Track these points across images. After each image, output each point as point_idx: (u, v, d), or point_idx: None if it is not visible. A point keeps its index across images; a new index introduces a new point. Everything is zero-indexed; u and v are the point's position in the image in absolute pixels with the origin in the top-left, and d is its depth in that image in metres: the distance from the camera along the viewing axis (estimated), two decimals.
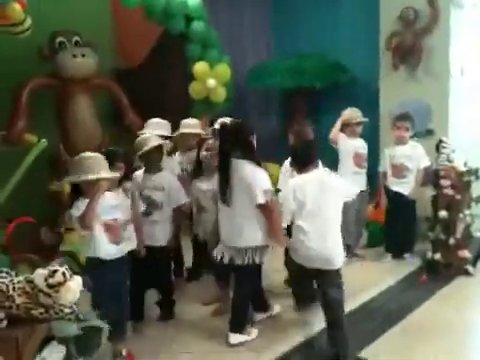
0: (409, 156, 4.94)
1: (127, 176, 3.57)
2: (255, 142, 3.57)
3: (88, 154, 3.13)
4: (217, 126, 4.18)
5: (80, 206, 3.03)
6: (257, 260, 3.43)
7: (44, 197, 5.23)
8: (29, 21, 4.34)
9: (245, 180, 3.35)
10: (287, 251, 3.73)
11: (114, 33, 6.45)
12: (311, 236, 3.32)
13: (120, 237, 3.19)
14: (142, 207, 3.63)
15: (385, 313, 4.03)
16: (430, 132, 5.53)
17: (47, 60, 5.31)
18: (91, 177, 3.01)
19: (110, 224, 3.14)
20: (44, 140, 4.32)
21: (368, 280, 4.55)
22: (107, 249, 3.14)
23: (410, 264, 4.97)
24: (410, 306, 4.11)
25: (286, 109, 7.29)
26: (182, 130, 4.64)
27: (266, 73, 6.86)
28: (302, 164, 3.53)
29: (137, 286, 3.59)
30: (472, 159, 4.90)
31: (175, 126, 4.69)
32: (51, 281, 2.60)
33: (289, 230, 3.51)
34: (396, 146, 5.01)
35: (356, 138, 5.07)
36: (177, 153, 4.72)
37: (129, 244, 3.28)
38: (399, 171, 4.97)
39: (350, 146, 4.98)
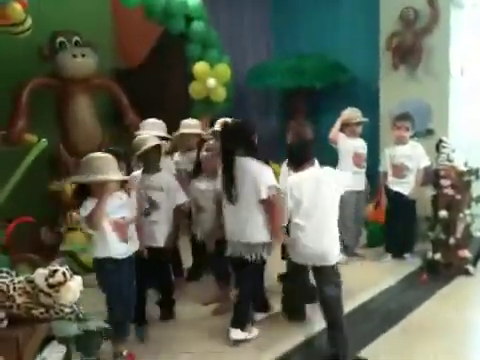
0: (409, 156, 4.94)
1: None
2: (256, 141, 3.58)
3: (97, 154, 3.13)
4: (218, 127, 4.19)
5: (88, 206, 3.02)
6: (264, 256, 3.48)
7: (44, 197, 5.23)
8: (29, 21, 4.33)
9: (251, 176, 3.39)
10: (284, 249, 3.78)
11: (114, 33, 6.45)
12: (308, 233, 3.36)
13: (127, 235, 3.20)
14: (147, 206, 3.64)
15: (385, 313, 4.04)
16: (430, 132, 5.54)
17: (47, 60, 5.31)
18: (100, 178, 3.00)
19: (118, 222, 3.14)
20: (44, 140, 4.32)
21: (368, 280, 4.55)
22: (117, 248, 3.14)
23: (410, 264, 4.97)
24: (410, 306, 4.11)
25: (286, 109, 7.29)
26: (182, 130, 4.64)
27: (266, 73, 6.86)
28: (298, 162, 3.56)
29: (138, 287, 3.59)
30: (472, 159, 4.91)
31: (175, 126, 4.69)
32: (51, 281, 2.60)
33: (287, 228, 3.54)
34: (396, 146, 5.01)
35: (356, 138, 5.07)
36: (177, 153, 4.72)
37: (133, 244, 3.28)
38: (399, 171, 4.97)
39: (350, 146, 4.98)
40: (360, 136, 5.12)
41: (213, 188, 3.88)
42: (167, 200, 3.76)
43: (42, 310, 2.65)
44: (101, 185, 3.02)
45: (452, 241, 4.72)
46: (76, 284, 2.68)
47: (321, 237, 3.35)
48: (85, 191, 3.10)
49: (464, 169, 4.74)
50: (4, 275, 2.75)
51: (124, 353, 3.25)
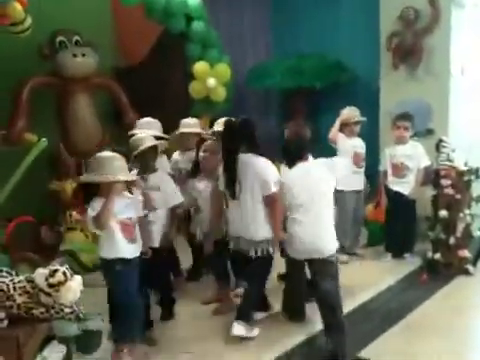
0: (409, 156, 4.94)
1: None
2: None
3: (107, 154, 3.12)
4: (218, 127, 4.19)
5: (95, 206, 3.01)
6: (271, 250, 3.53)
7: (44, 197, 5.23)
8: (29, 20, 4.33)
9: (256, 172, 3.46)
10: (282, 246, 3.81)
11: (114, 32, 6.45)
12: (304, 228, 3.42)
13: (134, 235, 3.20)
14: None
15: (385, 313, 4.03)
16: (430, 132, 5.53)
17: (47, 59, 5.32)
18: (110, 178, 2.99)
19: (125, 223, 3.13)
20: (44, 139, 4.32)
21: (368, 280, 4.55)
22: (126, 248, 3.12)
23: (410, 263, 4.96)
24: (410, 306, 4.11)
25: (286, 109, 7.29)
26: (181, 130, 4.63)
27: (266, 73, 6.86)
28: (292, 158, 3.61)
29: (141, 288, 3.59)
30: (472, 159, 4.91)
31: (175, 125, 4.68)
32: (52, 280, 2.61)
33: (284, 224, 3.59)
34: (396, 146, 5.01)
35: (354, 137, 5.08)
36: (177, 152, 4.71)
37: (139, 244, 3.28)
38: (399, 171, 4.97)
39: (349, 146, 4.99)
40: (359, 135, 5.13)
41: (211, 188, 3.89)
42: (163, 200, 3.75)
43: (42, 310, 2.66)
44: (109, 185, 3.01)
45: (452, 241, 4.72)
46: (76, 284, 2.69)
47: (317, 230, 3.42)
48: (90, 190, 3.08)
49: (464, 169, 4.75)
50: (4, 275, 2.75)
51: (124, 351, 3.23)
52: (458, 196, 4.71)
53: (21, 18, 4.24)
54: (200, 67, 5.97)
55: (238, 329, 3.46)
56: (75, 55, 5.27)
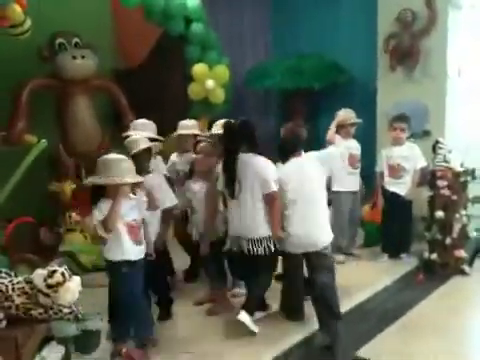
0: (406, 157, 4.97)
1: None
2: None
3: (114, 156, 3.14)
4: (215, 129, 4.20)
5: (103, 209, 3.02)
6: (273, 248, 3.57)
7: (44, 197, 5.25)
8: (29, 22, 4.34)
9: (256, 171, 3.52)
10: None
11: (114, 34, 6.47)
12: (297, 222, 3.51)
13: (140, 237, 3.22)
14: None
15: (382, 313, 4.06)
16: (427, 133, 5.57)
17: (46, 61, 5.33)
18: (118, 180, 3.00)
19: (131, 225, 3.15)
20: (44, 140, 4.33)
21: (365, 280, 4.57)
22: (132, 250, 3.14)
23: (407, 264, 4.99)
24: (407, 306, 4.14)
25: (285, 110, 7.30)
26: (179, 131, 4.64)
27: (265, 74, 6.87)
28: (286, 154, 3.70)
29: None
30: (468, 160, 4.94)
31: (174, 127, 4.70)
32: (50, 281, 2.62)
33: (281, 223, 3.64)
34: (393, 147, 5.03)
35: (350, 139, 5.10)
36: (174, 154, 4.73)
37: (144, 246, 3.29)
38: (396, 172, 5.00)
39: (344, 147, 5.00)
40: (356, 137, 5.16)
41: (205, 189, 3.92)
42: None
43: (41, 310, 2.67)
44: (116, 187, 3.02)
45: (448, 241, 4.75)
46: (75, 284, 2.70)
47: (311, 223, 3.52)
48: (96, 192, 3.10)
49: (460, 170, 4.78)
50: (3, 275, 2.76)
51: (123, 351, 3.26)
52: (454, 197, 4.75)
53: (20, 20, 4.25)
54: (199, 69, 5.99)
55: (243, 316, 3.51)
56: (75, 57, 5.28)
